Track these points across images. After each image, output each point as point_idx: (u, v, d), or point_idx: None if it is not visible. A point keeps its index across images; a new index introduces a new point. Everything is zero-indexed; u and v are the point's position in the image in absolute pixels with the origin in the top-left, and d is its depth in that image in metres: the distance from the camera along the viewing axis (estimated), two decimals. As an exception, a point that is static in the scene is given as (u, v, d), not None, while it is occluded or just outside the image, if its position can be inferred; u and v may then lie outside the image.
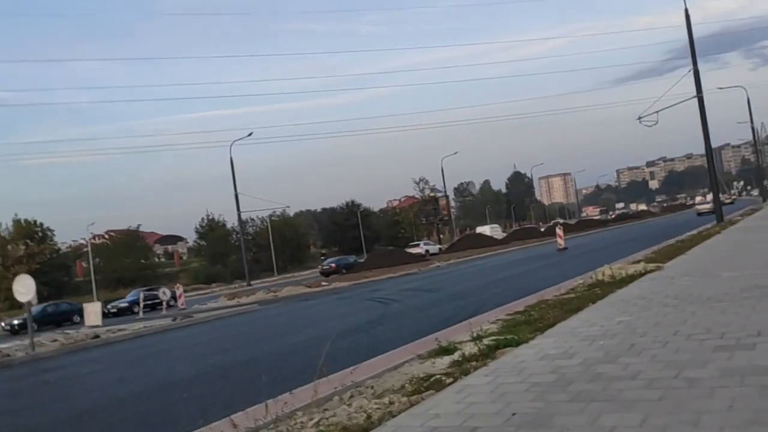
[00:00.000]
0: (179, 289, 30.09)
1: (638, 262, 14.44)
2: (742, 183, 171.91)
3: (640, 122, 32.87)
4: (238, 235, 64.65)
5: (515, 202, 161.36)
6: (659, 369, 4.83)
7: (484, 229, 72.01)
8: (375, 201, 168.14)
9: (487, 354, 6.87)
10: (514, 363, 5.88)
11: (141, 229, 70.36)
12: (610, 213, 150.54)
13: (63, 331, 21.08)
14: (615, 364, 5.18)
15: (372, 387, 6.92)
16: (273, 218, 69.25)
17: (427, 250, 53.41)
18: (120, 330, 19.09)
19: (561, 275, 16.84)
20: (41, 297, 50.88)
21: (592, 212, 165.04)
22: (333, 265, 44.39)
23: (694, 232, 25.55)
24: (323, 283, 28.64)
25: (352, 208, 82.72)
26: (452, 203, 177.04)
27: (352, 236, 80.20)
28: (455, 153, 74.89)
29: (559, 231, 32.94)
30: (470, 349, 7.42)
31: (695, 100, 29.97)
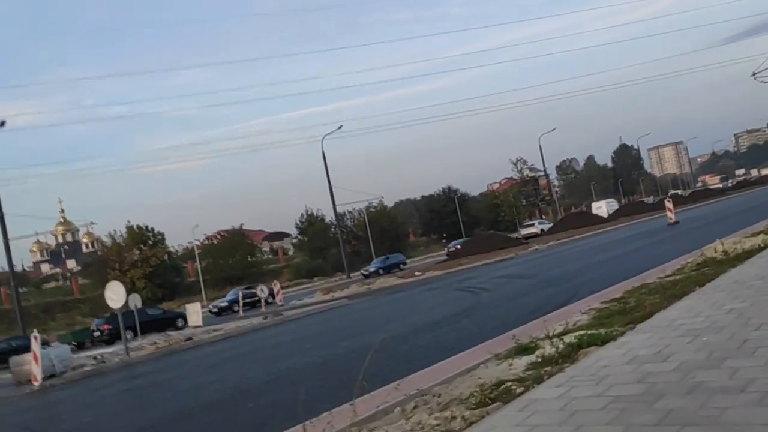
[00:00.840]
0: (276, 286, 30.44)
1: (757, 234, 12.76)
2: None
3: (755, 79, 29.93)
4: (332, 230, 65.46)
5: (623, 176, 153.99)
6: (777, 377, 3.79)
7: (600, 205, 66.48)
8: (475, 186, 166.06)
9: (568, 354, 5.96)
10: (596, 368, 4.95)
11: (248, 227, 72.55)
12: (730, 181, 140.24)
13: (166, 333, 21.72)
14: (719, 370, 4.16)
15: (439, 395, 6.21)
16: (370, 209, 69.45)
17: (542, 229, 52.34)
18: (215, 331, 19.37)
19: (669, 253, 15.40)
20: (155, 298, 53.82)
21: (711, 180, 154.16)
22: (458, 246, 45.44)
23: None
24: (416, 273, 28.03)
25: (449, 193, 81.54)
26: (555, 182, 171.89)
27: (451, 222, 79.11)
28: (553, 129, 71.54)
29: (668, 204, 30.54)
30: (552, 347, 6.56)
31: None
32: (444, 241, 59.16)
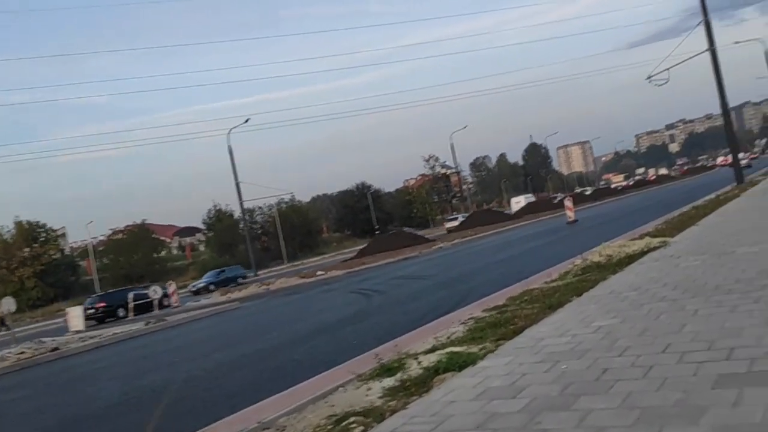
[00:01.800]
0: (171, 286, 28.77)
1: (643, 237, 12.72)
2: (764, 141, 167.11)
3: (650, 82, 30.86)
4: (242, 226, 63.67)
5: (533, 174, 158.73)
6: (629, 425, 3.22)
7: (519, 200, 69.99)
8: (393, 182, 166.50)
9: (424, 381, 5.32)
10: (441, 404, 4.29)
11: (159, 222, 69.31)
12: (630, 179, 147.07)
13: (40, 340, 19.85)
14: (569, 413, 3.57)
15: (283, 429, 5.44)
16: (281, 205, 67.98)
17: (463, 222, 54.02)
18: (91, 338, 17.81)
19: (562, 254, 15.29)
20: (47, 299, 50.43)
21: (616, 179, 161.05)
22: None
23: (712, 196, 23.66)
24: (319, 273, 27.18)
25: (362, 189, 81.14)
26: (469, 179, 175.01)
27: (365, 218, 78.79)
28: (464, 127, 72.54)
29: (567, 203, 31.09)
30: (417, 367, 5.95)
31: (709, 57, 27.85)
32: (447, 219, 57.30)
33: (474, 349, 6.36)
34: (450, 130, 74.01)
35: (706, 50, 27.71)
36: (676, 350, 4.38)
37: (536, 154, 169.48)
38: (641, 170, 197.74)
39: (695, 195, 28.48)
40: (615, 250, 11.16)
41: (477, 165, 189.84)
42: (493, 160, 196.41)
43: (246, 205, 67.15)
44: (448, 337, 7.67)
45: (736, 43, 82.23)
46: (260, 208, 66.24)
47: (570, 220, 29.84)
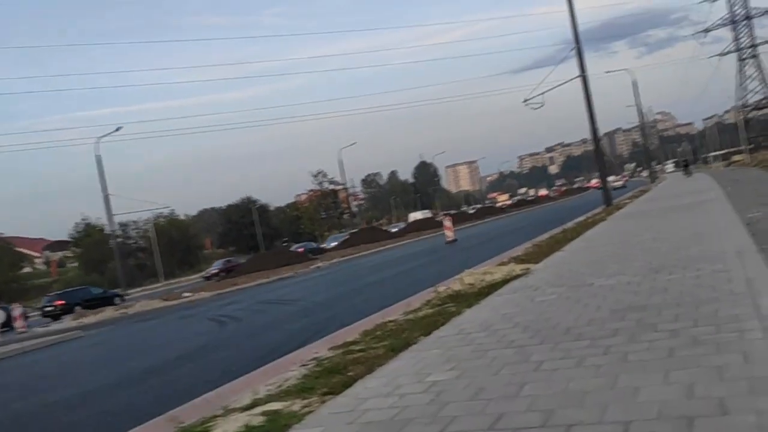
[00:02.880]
0: (16, 309, 25.67)
1: (510, 262, 12.28)
2: (633, 165, 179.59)
3: (526, 105, 31.52)
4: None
5: (422, 191, 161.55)
6: None
7: (416, 215, 72.72)
8: (283, 197, 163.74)
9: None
10: None
11: (25, 234, 63.44)
12: (513, 198, 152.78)
13: None
14: None
15: None
16: (160, 219, 64.42)
17: (346, 240, 53.41)
18: None
19: (432, 278, 14.72)
20: None
21: (501, 198, 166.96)
22: (218, 270, 41.50)
23: (582, 218, 24.17)
24: (185, 295, 25.28)
25: (248, 204, 78.69)
26: (360, 195, 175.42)
27: (249, 234, 76.37)
28: (353, 144, 72.26)
29: (447, 223, 31.01)
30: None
31: (581, 83, 28.74)
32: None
33: (297, 406, 5.36)
34: (338, 146, 73.57)
35: (578, 76, 28.59)
36: (507, 426, 3.54)
37: (426, 172, 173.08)
38: (523, 190, 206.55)
39: (568, 216, 29.23)
40: (478, 277, 10.56)
41: (368, 181, 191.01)
42: (385, 177, 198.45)
43: (120, 219, 63.20)
44: (280, 386, 6.61)
45: (607, 72, 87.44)
46: (135, 222, 62.37)
47: (449, 239, 29.72)
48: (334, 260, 32.44)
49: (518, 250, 15.38)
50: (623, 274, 8.08)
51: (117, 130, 44.83)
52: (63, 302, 32.12)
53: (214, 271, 45.02)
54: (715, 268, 7.20)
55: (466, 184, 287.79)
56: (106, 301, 33.60)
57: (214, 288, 26.91)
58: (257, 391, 6.53)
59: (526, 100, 31.39)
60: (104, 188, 44.14)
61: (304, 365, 7.32)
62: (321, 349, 8.26)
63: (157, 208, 53.63)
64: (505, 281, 9.75)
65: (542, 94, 30.27)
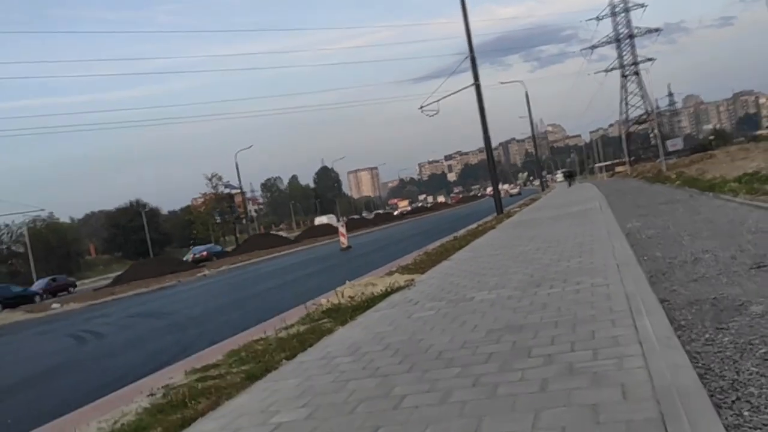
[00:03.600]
0: None
1: (395, 272, 11.76)
2: (526, 174, 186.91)
3: (422, 111, 31.51)
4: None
5: (322, 197, 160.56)
6: None
7: (322, 219, 72.06)
8: (177, 201, 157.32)
9: None
10: None
11: None
12: (414, 204, 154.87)
13: None
14: None
15: None
16: (36, 224, 59.77)
17: (239, 246, 53.08)
18: None
19: (319, 287, 14.07)
20: None
21: (402, 204, 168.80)
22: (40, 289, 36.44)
23: (474, 225, 24.26)
24: (54, 306, 23.13)
25: (137, 207, 74.68)
26: (260, 199, 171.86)
27: (138, 239, 72.46)
28: (250, 147, 70.06)
29: (341, 229, 30.36)
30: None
31: (475, 91, 29.00)
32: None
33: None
34: (235, 150, 71.10)
35: (472, 84, 28.84)
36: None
37: (327, 177, 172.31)
38: (422, 197, 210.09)
39: (460, 224, 29.47)
40: (360, 289, 9.95)
41: (268, 186, 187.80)
42: (285, 182, 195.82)
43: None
44: (114, 422, 5.69)
45: (502, 83, 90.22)
46: (7, 225, 57.50)
47: (343, 246, 29.12)
48: (223, 267, 30.94)
49: (408, 259, 14.96)
50: (504, 287, 7.69)
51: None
52: None
53: (35, 290, 37.30)
54: (595, 282, 6.91)
55: (367, 190, 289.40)
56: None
57: (88, 298, 24.76)
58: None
59: (422, 107, 31.38)
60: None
61: (151, 394, 6.40)
62: (177, 373, 7.36)
63: (30, 211, 49.38)
64: (386, 294, 9.18)
65: (437, 101, 30.37)
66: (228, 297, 16.80)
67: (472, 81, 28.93)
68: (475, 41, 29.10)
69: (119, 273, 37.57)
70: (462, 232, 21.88)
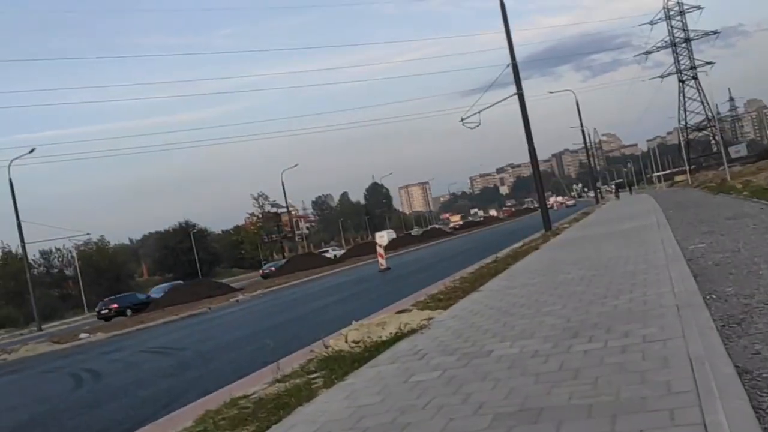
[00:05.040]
0: None
1: (414, 307, 10.28)
2: (580, 185, 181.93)
3: (463, 124, 30.01)
4: (36, 270, 55.88)
5: (372, 213, 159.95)
6: None
7: (382, 234, 72.86)
8: (227, 221, 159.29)
9: None
10: None
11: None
12: (465, 219, 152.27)
13: None
14: None
15: None
16: (88, 247, 60.65)
17: (335, 255, 58.34)
18: None
19: (344, 318, 12.76)
20: None
21: (454, 218, 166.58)
22: (115, 305, 37.53)
23: (519, 244, 22.49)
24: (81, 336, 22.41)
25: (186, 229, 75.22)
26: (312, 217, 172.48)
27: (188, 260, 72.87)
28: (295, 165, 69.42)
29: (379, 250, 28.98)
30: None
31: (519, 101, 27.34)
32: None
33: None
34: (285, 168, 70.86)
35: (515, 94, 27.21)
36: None
37: (377, 193, 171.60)
38: (474, 210, 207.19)
39: (508, 240, 27.74)
40: (367, 332, 8.52)
41: (319, 203, 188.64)
42: (336, 199, 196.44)
43: (44, 247, 59.24)
44: None
45: (550, 92, 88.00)
46: (59, 249, 58.41)
47: (382, 267, 27.76)
48: (258, 292, 29.93)
49: (440, 286, 13.46)
50: (532, 336, 6.14)
51: (31, 152, 41.56)
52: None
53: (156, 296, 38.88)
54: (648, 334, 5.30)
55: (419, 205, 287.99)
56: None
57: (117, 327, 24.05)
58: None
59: (462, 119, 29.90)
60: (17, 215, 40.61)
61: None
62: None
63: (75, 235, 49.82)
64: (394, 340, 7.72)
65: (478, 113, 28.81)
66: (246, 329, 15.61)
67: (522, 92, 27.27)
68: (523, 53, 27.84)
69: (156, 297, 37.23)
70: (506, 251, 20.22)
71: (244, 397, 6.92)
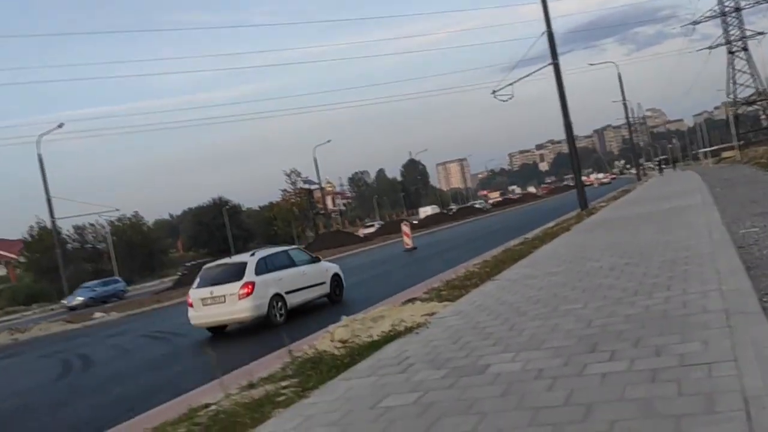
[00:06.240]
0: None
1: (419, 299, 9.14)
2: (623, 162, 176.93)
3: (494, 97, 28.45)
4: (70, 245, 56.34)
5: (408, 190, 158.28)
6: None
7: (426, 210, 73.98)
8: (262, 197, 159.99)
9: None
10: None
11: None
12: (504, 196, 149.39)
13: None
14: None
15: None
16: (122, 222, 60.95)
17: (309, 245, 54.06)
18: None
19: (355, 303, 11.87)
20: None
21: (492, 195, 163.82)
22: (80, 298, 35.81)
23: (551, 224, 21.09)
24: (96, 315, 21.85)
25: (219, 205, 75.09)
26: (348, 193, 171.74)
27: (222, 236, 72.80)
28: (328, 141, 68.09)
29: (405, 229, 27.80)
30: None
31: (554, 71, 25.66)
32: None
33: None
34: (328, 144, 69.43)
35: (550, 63, 25.52)
36: None
37: (414, 170, 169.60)
38: (513, 187, 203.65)
39: (541, 219, 26.34)
40: (359, 327, 7.46)
41: (355, 180, 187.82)
42: (372, 176, 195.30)
43: (78, 222, 59.68)
44: None
45: (591, 64, 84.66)
46: (92, 225, 58.71)
47: (407, 247, 26.67)
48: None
49: (459, 270, 12.26)
50: (541, 347, 4.96)
51: (59, 126, 41.37)
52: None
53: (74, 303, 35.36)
54: (687, 354, 4.06)
55: (456, 182, 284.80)
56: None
57: (134, 306, 23.50)
58: None
59: (494, 92, 28.33)
60: (47, 190, 40.54)
61: None
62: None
63: (105, 211, 49.76)
64: (385, 340, 6.61)
65: (511, 84, 27.21)
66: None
67: (564, 66, 25.56)
68: (565, 26, 26.16)
69: (179, 276, 36.59)
70: (536, 231, 18.87)
71: (206, 406, 5.97)
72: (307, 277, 12.90)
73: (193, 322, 11.91)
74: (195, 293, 11.90)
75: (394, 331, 6.85)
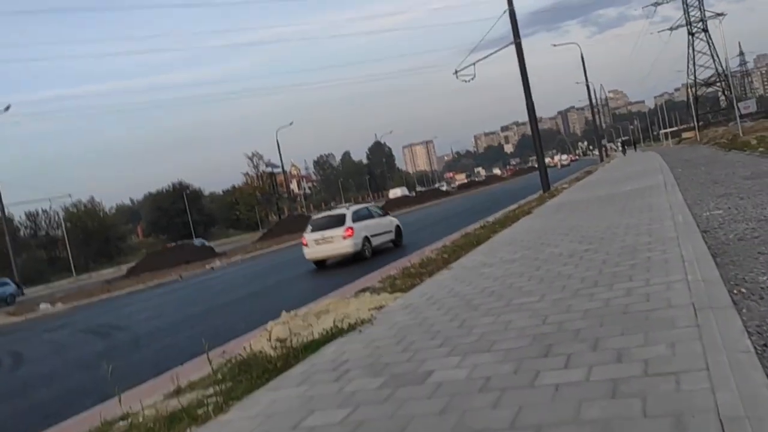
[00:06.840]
0: None
1: (370, 289, 8.56)
2: (586, 143, 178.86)
3: (457, 77, 27.93)
4: (22, 232, 54.46)
5: (373, 173, 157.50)
6: None
7: (396, 192, 73.36)
8: (224, 182, 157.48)
9: None
10: None
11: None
12: (470, 178, 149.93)
13: None
14: None
15: None
16: (76, 208, 59.09)
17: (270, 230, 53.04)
18: None
19: (303, 293, 11.28)
20: None
21: (458, 177, 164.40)
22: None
23: (514, 206, 20.72)
24: (41, 306, 20.76)
25: (179, 190, 73.43)
26: (314, 177, 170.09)
27: (182, 222, 71.28)
28: (291, 124, 66.93)
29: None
30: None
31: (516, 50, 25.17)
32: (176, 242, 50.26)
33: None
34: (290, 128, 67.85)
35: (511, 43, 25.04)
36: None
37: (380, 152, 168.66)
38: (479, 169, 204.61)
39: (504, 201, 26.05)
40: (300, 324, 6.82)
41: (321, 163, 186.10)
42: (338, 159, 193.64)
43: (31, 208, 57.70)
44: None
45: (554, 45, 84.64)
46: (45, 211, 56.76)
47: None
48: (237, 258, 28.24)
49: (414, 258, 11.72)
50: (492, 348, 4.42)
51: (6, 109, 39.67)
52: None
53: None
54: (651, 360, 3.55)
55: (423, 164, 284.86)
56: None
57: (83, 296, 22.48)
58: None
59: (456, 71, 27.80)
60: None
61: None
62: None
63: (57, 197, 47.89)
64: (324, 340, 6.01)
65: (473, 65, 26.71)
66: (200, 305, 13.95)
67: (527, 49, 25.05)
68: (529, 8, 25.32)
69: (133, 264, 35.50)
70: (497, 215, 18.44)
71: (124, 417, 5.31)
72: (382, 225, 17.74)
73: (307, 257, 16.41)
74: (309, 236, 16.36)
75: (336, 329, 6.26)
